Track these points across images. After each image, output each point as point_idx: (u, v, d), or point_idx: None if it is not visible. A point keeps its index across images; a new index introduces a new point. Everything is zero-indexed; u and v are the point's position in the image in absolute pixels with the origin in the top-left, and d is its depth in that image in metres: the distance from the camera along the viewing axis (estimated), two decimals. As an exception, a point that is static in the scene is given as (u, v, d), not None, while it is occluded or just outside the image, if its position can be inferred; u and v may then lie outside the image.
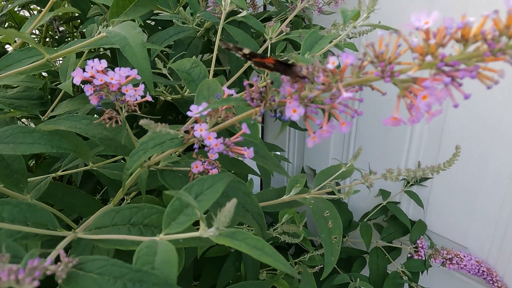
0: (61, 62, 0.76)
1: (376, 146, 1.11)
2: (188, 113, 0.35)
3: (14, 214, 0.37)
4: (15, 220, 0.37)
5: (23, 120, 1.07)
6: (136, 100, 0.42)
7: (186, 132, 0.36)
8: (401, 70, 0.24)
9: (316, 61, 0.27)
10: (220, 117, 0.38)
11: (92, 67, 0.39)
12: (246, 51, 0.30)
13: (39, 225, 0.38)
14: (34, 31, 1.19)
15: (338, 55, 0.26)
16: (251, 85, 0.31)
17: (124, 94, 0.40)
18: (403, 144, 1.05)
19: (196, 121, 0.39)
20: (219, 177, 0.35)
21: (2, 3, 1.13)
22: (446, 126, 0.95)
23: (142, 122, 0.32)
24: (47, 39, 1.16)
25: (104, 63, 0.39)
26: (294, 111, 0.27)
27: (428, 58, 0.21)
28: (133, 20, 0.89)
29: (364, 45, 0.26)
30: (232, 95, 0.37)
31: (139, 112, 0.42)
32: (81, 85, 0.45)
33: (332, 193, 0.57)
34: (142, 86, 0.41)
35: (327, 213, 0.51)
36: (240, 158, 0.52)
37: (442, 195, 1.03)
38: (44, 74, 1.07)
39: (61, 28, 1.17)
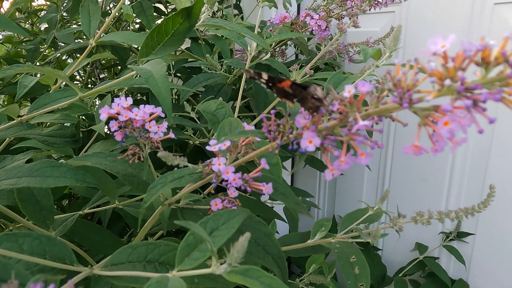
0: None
1: (412, 194, 1.06)
2: (207, 147, 0.35)
3: (33, 246, 0.37)
4: (34, 252, 0.37)
5: (61, 160, 1.12)
6: (160, 137, 0.43)
7: (205, 166, 0.36)
8: (420, 98, 0.23)
9: (331, 88, 0.27)
10: (239, 152, 0.37)
11: (118, 104, 0.40)
12: (265, 76, 0.30)
13: (57, 258, 0.38)
14: (77, 77, 1.28)
15: (356, 85, 0.26)
16: (269, 118, 0.31)
17: (147, 131, 0.41)
18: (441, 192, 1.00)
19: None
20: (235, 213, 0.34)
21: (52, 51, 1.23)
22: (489, 172, 0.90)
23: (160, 154, 0.32)
24: (89, 85, 1.23)
25: (129, 101, 0.40)
26: (310, 142, 0.26)
27: (447, 82, 0.20)
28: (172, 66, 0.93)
29: (383, 75, 0.26)
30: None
31: (162, 149, 0.43)
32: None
33: (361, 240, 0.54)
34: (165, 124, 0.42)
35: (353, 258, 0.48)
36: (267, 202, 0.50)
37: (486, 252, 0.95)
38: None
39: (102, 75, 1.25)
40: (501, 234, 0.91)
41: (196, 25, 0.43)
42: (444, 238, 0.99)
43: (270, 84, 0.30)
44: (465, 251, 0.97)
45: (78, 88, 0.47)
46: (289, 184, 1.27)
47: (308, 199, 1.17)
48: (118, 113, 0.40)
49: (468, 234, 0.95)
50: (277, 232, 0.95)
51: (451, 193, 0.98)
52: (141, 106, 0.40)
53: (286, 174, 1.24)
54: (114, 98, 0.40)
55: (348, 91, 0.24)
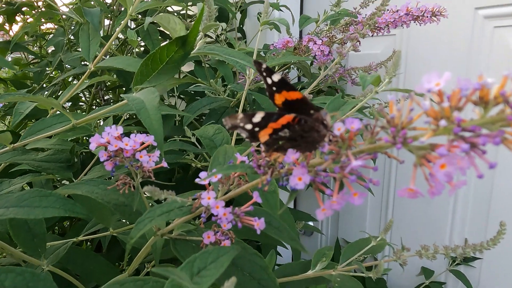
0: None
1: (416, 218, 1.03)
2: (197, 180, 0.34)
3: (16, 283, 0.35)
4: (16, 289, 0.35)
5: (64, 182, 1.11)
6: (151, 166, 0.41)
7: (194, 199, 0.35)
8: (414, 136, 0.21)
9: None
10: (232, 184, 0.36)
11: (108, 133, 0.39)
12: (277, 76, 0.28)
13: (41, 295, 0.36)
14: (82, 99, 1.28)
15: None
16: (259, 152, 0.30)
17: (138, 160, 0.40)
18: (446, 216, 0.97)
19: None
20: (225, 250, 0.32)
21: (58, 72, 1.24)
22: (494, 197, 0.87)
23: (146, 188, 0.31)
24: (93, 107, 1.23)
25: (120, 130, 0.39)
26: (299, 179, 0.25)
27: (442, 122, 0.19)
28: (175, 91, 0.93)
29: (376, 110, 0.24)
30: (244, 161, 0.35)
31: (154, 178, 0.41)
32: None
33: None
34: (157, 152, 0.41)
35: (354, 294, 0.46)
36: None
37: (494, 277, 0.91)
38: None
39: (106, 97, 1.25)
40: (509, 258, 0.88)
41: (192, 53, 0.42)
42: (450, 263, 0.96)
43: (274, 89, 0.28)
44: (472, 276, 0.94)
45: (72, 116, 0.46)
46: (292, 207, 1.25)
47: (311, 222, 1.14)
48: (108, 142, 0.39)
49: (475, 258, 0.92)
50: (280, 255, 0.92)
51: (456, 215, 0.95)
52: (132, 135, 0.39)
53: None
54: (105, 127, 0.39)
55: (338, 129, 0.23)
